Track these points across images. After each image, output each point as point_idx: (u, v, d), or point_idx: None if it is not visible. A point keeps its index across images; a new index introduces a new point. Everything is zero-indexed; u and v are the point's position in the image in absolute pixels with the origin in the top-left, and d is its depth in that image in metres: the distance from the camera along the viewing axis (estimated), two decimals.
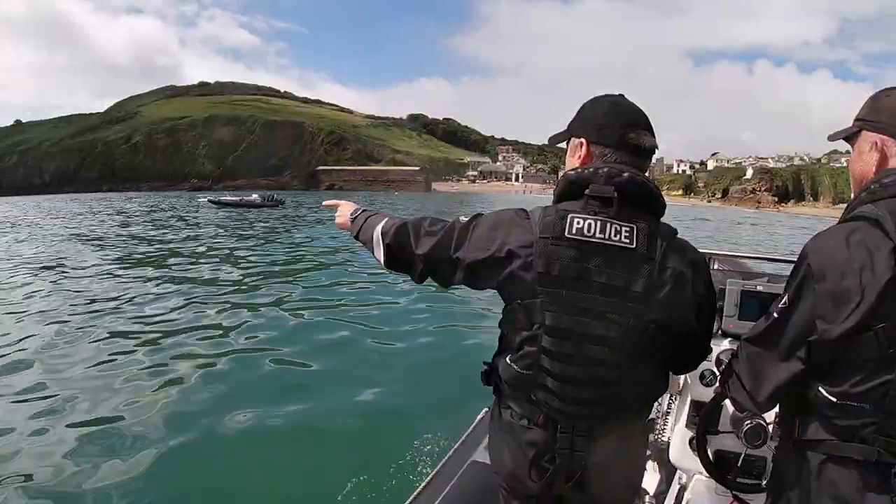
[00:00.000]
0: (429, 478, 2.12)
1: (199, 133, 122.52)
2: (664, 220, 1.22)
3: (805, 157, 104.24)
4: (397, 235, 1.33)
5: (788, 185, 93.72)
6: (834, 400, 1.04)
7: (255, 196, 42.47)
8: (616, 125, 1.19)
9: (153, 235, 19.68)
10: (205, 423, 4.32)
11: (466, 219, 1.28)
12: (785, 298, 1.10)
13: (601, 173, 1.15)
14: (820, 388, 1.06)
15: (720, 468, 1.59)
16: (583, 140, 1.23)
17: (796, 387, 1.10)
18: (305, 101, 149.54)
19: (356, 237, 1.48)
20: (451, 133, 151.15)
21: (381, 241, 1.37)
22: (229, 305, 8.24)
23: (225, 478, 3.65)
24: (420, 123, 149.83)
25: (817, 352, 1.04)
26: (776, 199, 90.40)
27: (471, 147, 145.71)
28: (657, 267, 1.13)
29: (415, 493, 2.02)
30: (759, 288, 1.71)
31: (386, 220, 1.41)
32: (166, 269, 11.84)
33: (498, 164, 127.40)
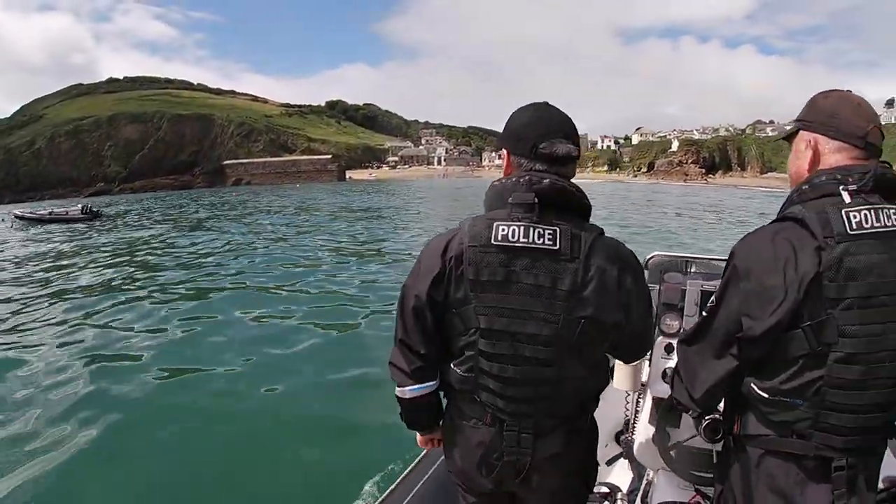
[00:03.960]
0: (403, 474, 2.14)
1: (104, 133, 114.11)
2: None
3: (730, 129, 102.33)
4: (396, 371, 1.36)
5: (715, 156, 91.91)
6: (765, 395, 1.08)
7: (78, 207, 35.83)
8: (530, 136, 1.24)
9: None
10: None
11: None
12: (713, 298, 1.14)
13: (522, 182, 1.21)
14: (752, 385, 1.11)
15: (682, 463, 1.62)
16: (505, 151, 1.31)
17: (734, 383, 1.15)
18: (218, 92, 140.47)
19: (409, 424, 1.47)
20: (372, 118, 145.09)
21: (406, 391, 1.36)
22: None
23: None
24: (339, 110, 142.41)
25: (745, 349, 1.08)
26: (703, 170, 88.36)
27: (392, 132, 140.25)
28: (581, 266, 1.18)
29: (389, 490, 2.07)
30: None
31: (398, 388, 1.38)
32: None
33: (420, 148, 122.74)
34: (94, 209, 35.45)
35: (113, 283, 10.98)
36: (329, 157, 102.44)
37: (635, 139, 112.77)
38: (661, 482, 1.81)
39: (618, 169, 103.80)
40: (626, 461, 2.23)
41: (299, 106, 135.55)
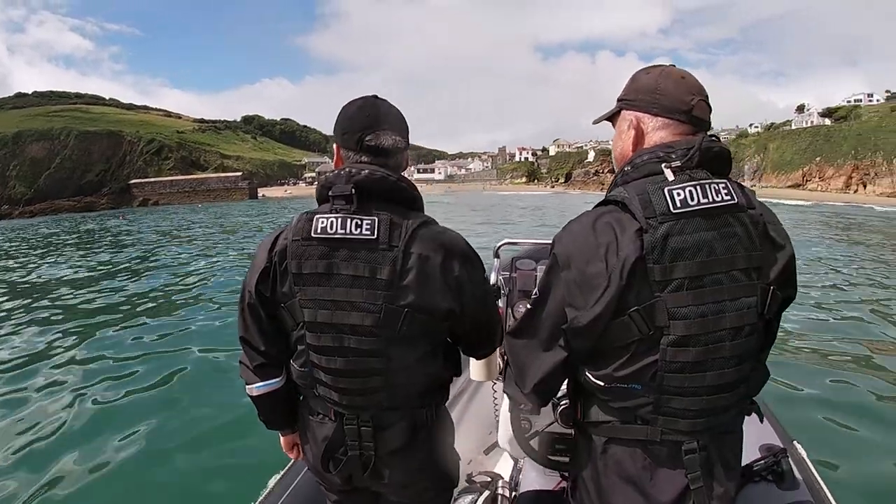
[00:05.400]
0: (271, 485, 2.03)
1: (9, 151, 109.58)
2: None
3: None
4: (243, 369, 1.37)
5: None
6: (601, 384, 1.06)
7: None
8: (356, 129, 1.25)
9: None
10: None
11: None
12: (536, 289, 1.12)
13: (342, 174, 1.22)
14: (587, 373, 1.09)
15: (543, 450, 1.60)
16: (336, 145, 1.33)
17: (569, 373, 1.13)
18: (130, 107, 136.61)
19: (266, 423, 1.46)
20: (290, 134, 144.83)
21: (253, 388, 1.36)
22: None
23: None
24: (255, 125, 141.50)
25: (573, 339, 1.05)
26: None
27: (311, 147, 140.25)
28: (401, 254, 1.17)
29: (266, 492, 2.00)
30: None
31: (246, 387, 1.38)
32: None
33: None
34: None
35: None
36: (240, 174, 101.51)
37: (553, 150, 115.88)
38: (527, 470, 1.83)
39: (536, 180, 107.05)
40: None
41: (213, 121, 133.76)
